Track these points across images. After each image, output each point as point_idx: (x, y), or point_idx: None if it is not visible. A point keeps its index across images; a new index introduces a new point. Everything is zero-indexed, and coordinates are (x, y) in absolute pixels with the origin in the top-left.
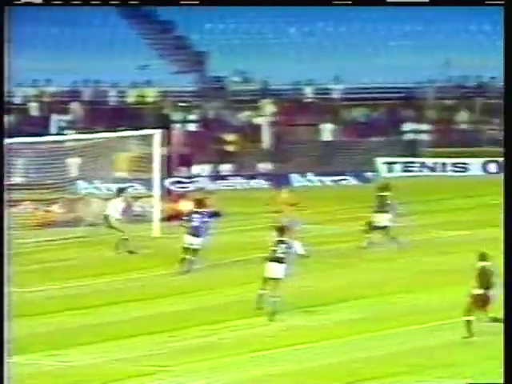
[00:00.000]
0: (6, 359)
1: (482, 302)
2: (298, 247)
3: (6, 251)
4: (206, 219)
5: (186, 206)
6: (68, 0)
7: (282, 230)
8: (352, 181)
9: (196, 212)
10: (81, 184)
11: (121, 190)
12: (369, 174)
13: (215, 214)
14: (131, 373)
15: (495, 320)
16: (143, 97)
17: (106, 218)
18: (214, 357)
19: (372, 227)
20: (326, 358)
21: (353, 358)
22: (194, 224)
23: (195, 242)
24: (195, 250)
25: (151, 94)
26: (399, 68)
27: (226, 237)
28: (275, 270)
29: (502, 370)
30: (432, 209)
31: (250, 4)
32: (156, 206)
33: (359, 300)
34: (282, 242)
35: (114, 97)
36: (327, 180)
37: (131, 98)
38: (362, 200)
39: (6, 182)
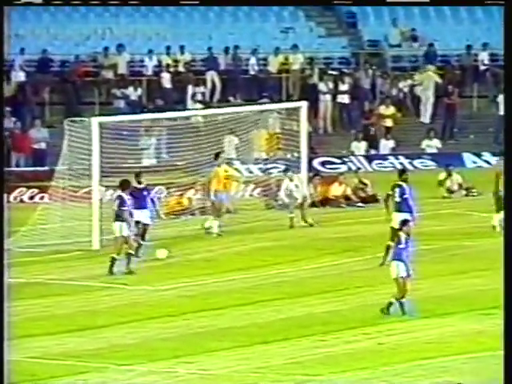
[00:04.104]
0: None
1: None
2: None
3: (5, 250)
4: (407, 194)
5: (338, 190)
6: (68, 0)
7: (400, 223)
8: None
9: (399, 186)
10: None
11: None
12: None
13: (376, 200)
14: (277, 383)
15: None
16: (287, 64)
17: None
18: (371, 365)
19: None
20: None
21: None
22: (398, 200)
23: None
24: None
25: (296, 61)
26: None
27: (384, 226)
28: (394, 268)
29: None
30: None
31: (249, 4)
32: (304, 190)
33: None
34: (397, 237)
35: (254, 65)
36: None
37: (273, 65)
38: None
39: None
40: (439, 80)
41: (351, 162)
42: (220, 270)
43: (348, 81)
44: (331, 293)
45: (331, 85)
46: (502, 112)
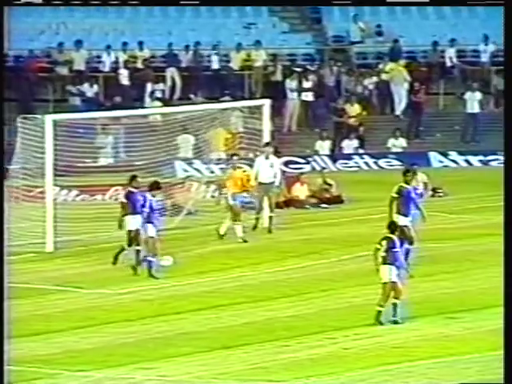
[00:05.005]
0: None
1: None
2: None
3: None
4: (419, 197)
5: (301, 190)
6: (68, 0)
7: (391, 226)
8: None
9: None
10: (179, 166)
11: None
12: None
13: (340, 201)
14: None
15: None
16: (250, 61)
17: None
18: (336, 370)
19: None
20: (474, 374)
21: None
22: (403, 201)
23: (404, 221)
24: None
25: (259, 58)
26: None
27: (349, 228)
28: (384, 272)
29: None
30: None
31: (248, 4)
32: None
33: None
34: (388, 239)
35: (215, 61)
36: (474, 160)
37: (236, 62)
38: None
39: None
40: (408, 77)
41: (315, 161)
42: (180, 273)
43: (312, 78)
44: (295, 296)
45: (295, 82)
46: (469, 110)
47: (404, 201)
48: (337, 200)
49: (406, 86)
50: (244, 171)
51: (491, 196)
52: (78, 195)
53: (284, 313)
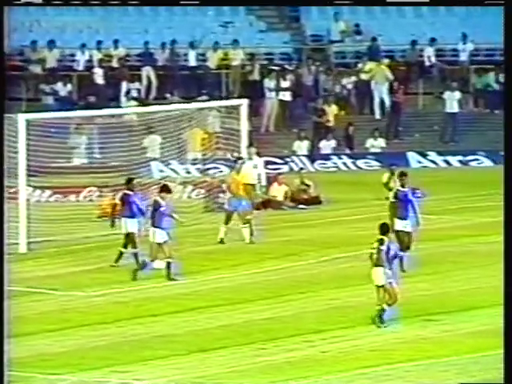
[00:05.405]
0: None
1: None
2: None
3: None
4: (415, 198)
5: (278, 191)
6: (68, 0)
7: (383, 228)
8: (485, 161)
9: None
10: (155, 166)
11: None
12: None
13: (318, 202)
14: None
15: None
16: (227, 60)
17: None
18: (314, 374)
19: None
20: (452, 377)
21: (485, 379)
22: (401, 204)
23: (404, 225)
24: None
25: (236, 57)
26: None
27: (328, 229)
28: (375, 275)
29: None
30: None
31: (249, 4)
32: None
33: (490, 308)
34: (381, 241)
35: (192, 60)
36: (454, 160)
37: (213, 61)
38: (499, 185)
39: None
40: (391, 75)
41: (293, 162)
42: (155, 275)
43: (290, 77)
44: (272, 299)
45: (273, 81)
46: (448, 109)
47: (402, 204)
48: (315, 201)
49: (388, 85)
50: (244, 176)
51: (471, 197)
52: (51, 196)
53: (261, 315)
